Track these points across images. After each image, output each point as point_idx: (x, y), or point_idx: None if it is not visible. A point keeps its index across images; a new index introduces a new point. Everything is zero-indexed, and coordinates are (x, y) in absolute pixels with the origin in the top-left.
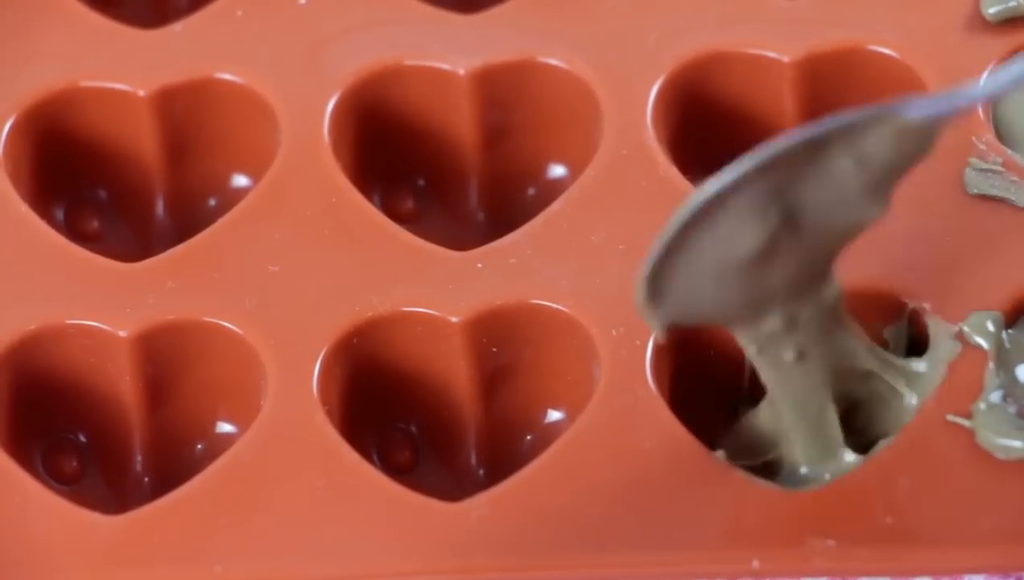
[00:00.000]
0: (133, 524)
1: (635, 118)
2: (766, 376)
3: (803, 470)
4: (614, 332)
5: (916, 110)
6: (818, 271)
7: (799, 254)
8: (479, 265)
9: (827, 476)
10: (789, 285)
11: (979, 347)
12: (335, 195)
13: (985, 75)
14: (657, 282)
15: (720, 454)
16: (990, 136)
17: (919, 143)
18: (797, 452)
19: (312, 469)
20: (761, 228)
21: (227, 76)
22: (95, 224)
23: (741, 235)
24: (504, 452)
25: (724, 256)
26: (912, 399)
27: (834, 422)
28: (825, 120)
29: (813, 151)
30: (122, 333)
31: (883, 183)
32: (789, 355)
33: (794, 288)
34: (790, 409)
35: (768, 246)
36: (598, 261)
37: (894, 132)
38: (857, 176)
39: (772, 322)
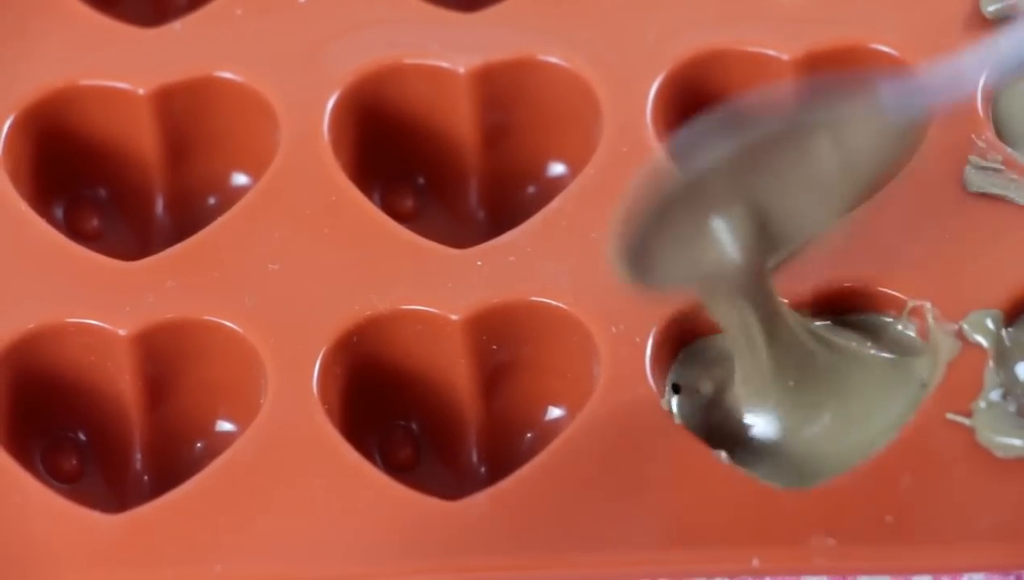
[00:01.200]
0: (133, 523)
1: (635, 116)
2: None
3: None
4: (614, 329)
5: (896, 107)
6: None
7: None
8: (479, 263)
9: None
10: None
11: (979, 345)
12: (335, 194)
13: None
14: (637, 260)
15: (722, 454)
16: (990, 134)
17: (903, 143)
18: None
19: (312, 468)
20: (738, 248)
21: (227, 75)
22: (95, 223)
23: (716, 253)
24: (505, 449)
25: (696, 264)
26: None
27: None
28: (807, 104)
29: (795, 139)
30: (122, 331)
31: (862, 185)
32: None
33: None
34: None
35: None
36: (598, 259)
37: (878, 130)
38: (836, 172)
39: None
